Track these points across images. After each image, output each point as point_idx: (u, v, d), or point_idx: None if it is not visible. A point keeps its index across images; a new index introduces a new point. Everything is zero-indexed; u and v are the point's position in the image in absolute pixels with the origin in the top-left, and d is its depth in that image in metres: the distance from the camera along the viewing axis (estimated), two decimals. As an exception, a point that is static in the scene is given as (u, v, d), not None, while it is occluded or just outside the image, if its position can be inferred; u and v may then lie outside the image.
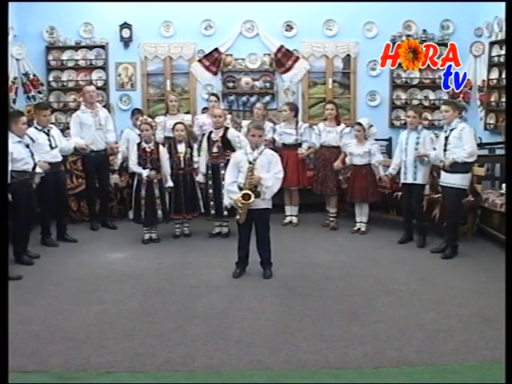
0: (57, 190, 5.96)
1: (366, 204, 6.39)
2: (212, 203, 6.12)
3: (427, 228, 5.95)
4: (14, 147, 5.12)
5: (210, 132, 6.16)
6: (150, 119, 6.15)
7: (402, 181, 5.89)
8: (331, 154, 6.56)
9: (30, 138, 5.53)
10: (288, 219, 6.81)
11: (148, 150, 5.91)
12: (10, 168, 4.93)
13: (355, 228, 6.44)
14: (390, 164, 6.19)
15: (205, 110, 7.23)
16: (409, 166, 5.77)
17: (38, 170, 5.49)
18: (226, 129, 6.14)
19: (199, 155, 6.20)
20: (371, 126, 6.36)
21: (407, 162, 5.78)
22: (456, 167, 5.25)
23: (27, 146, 5.33)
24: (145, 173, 5.86)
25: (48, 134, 5.86)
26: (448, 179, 5.36)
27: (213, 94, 6.98)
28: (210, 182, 6.11)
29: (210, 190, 6.12)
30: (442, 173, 5.45)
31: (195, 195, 6.23)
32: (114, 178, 6.82)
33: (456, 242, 5.49)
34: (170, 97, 6.89)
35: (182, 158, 6.12)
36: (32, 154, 5.34)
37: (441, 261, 5.39)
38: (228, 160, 6.00)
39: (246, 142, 6.04)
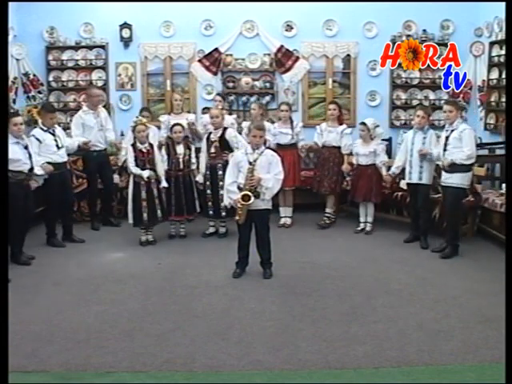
0: (62, 190, 6.00)
1: (372, 204, 6.38)
2: (210, 203, 6.12)
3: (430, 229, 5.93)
4: (11, 148, 5.09)
5: (210, 133, 6.16)
6: (144, 119, 6.16)
7: (407, 181, 5.88)
8: (330, 154, 6.57)
9: (37, 139, 5.71)
10: (283, 221, 6.76)
11: (144, 150, 5.87)
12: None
13: (359, 228, 6.43)
14: (392, 164, 6.17)
15: (205, 110, 7.23)
16: (414, 166, 5.75)
17: (40, 171, 5.54)
18: (225, 129, 6.14)
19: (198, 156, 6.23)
20: (377, 126, 6.34)
21: (413, 162, 5.76)
22: (455, 168, 5.29)
23: (25, 148, 5.34)
24: (145, 174, 5.81)
25: (54, 135, 5.92)
26: (448, 179, 5.38)
27: (218, 94, 7.04)
28: (208, 183, 6.11)
29: (208, 191, 6.12)
30: (443, 173, 5.46)
31: (194, 196, 6.24)
32: (115, 178, 6.83)
33: (456, 241, 5.49)
34: (175, 96, 6.88)
35: (180, 160, 6.10)
36: (30, 156, 5.35)
37: (441, 261, 5.39)
38: (226, 160, 6.02)
39: (243, 143, 6.07)
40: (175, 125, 6.17)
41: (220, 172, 6.04)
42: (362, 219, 6.47)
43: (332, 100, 7.18)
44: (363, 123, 6.31)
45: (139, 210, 5.86)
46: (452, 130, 5.33)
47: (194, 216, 6.28)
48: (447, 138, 5.36)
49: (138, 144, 5.89)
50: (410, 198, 6.06)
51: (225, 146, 6.07)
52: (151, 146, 5.97)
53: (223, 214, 6.04)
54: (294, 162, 6.68)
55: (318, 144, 6.67)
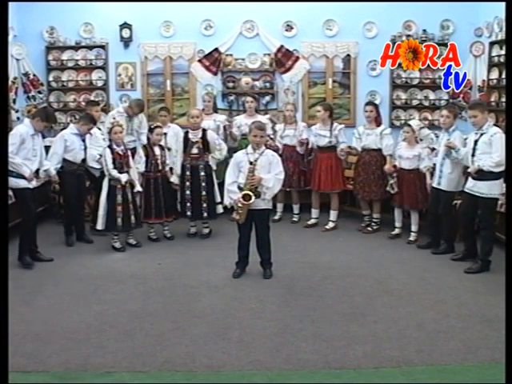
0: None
1: (416, 212, 5.97)
2: (189, 204, 6.09)
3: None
4: (70, 137, 5.85)
5: (187, 132, 6.14)
6: (122, 121, 6.13)
7: (433, 184, 5.64)
8: (371, 158, 6.28)
9: (89, 133, 6.08)
10: (313, 221, 6.68)
11: (121, 153, 5.72)
12: (61, 156, 5.79)
13: (394, 233, 6.14)
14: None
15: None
16: (436, 170, 5.55)
17: (97, 165, 5.95)
18: (204, 130, 6.13)
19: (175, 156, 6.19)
20: (422, 127, 6.00)
21: (436, 165, 5.57)
22: (482, 175, 4.91)
23: (83, 140, 5.93)
24: (123, 178, 5.64)
25: (100, 129, 6.33)
26: (473, 187, 5.02)
27: (248, 95, 7.04)
28: (188, 184, 6.08)
29: (188, 192, 6.08)
30: (469, 179, 5.11)
31: (175, 197, 6.16)
32: None
33: (489, 256, 5.09)
34: (204, 97, 7.03)
35: (159, 161, 6.02)
36: (85, 148, 5.91)
37: (441, 261, 5.39)
38: (207, 161, 6.05)
39: (224, 145, 6.12)
40: (156, 127, 6.09)
41: (202, 173, 6.05)
42: (397, 224, 6.16)
43: (369, 101, 6.96)
44: (408, 124, 5.97)
45: (113, 215, 5.65)
46: (481, 134, 4.96)
47: (172, 217, 6.16)
48: (476, 142, 5.00)
49: (115, 146, 5.72)
50: (430, 202, 5.73)
51: (206, 148, 6.08)
52: (126, 148, 5.87)
53: (205, 214, 6.06)
54: (331, 165, 6.43)
55: (357, 148, 6.43)
